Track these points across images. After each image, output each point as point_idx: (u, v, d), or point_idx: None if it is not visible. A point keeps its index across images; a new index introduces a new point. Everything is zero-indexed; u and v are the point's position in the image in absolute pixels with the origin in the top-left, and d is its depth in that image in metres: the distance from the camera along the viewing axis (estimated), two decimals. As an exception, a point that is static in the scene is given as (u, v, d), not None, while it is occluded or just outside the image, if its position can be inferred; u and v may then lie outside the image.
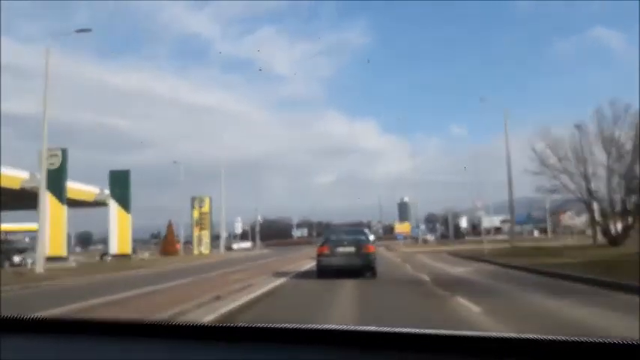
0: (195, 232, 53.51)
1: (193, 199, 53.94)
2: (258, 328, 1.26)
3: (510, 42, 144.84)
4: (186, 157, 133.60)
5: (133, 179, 38.69)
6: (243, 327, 1.28)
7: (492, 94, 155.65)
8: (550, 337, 1.00)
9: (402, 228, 45.93)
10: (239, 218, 54.66)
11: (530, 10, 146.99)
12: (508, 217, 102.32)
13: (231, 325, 1.31)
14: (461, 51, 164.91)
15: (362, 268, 13.28)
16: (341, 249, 13.51)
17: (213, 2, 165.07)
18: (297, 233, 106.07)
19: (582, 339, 0.98)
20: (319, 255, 13.75)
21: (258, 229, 69.15)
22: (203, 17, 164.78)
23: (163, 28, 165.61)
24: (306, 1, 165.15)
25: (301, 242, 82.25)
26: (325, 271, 13.38)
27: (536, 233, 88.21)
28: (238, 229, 54.93)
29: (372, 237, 18.11)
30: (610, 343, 0.96)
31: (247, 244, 66.98)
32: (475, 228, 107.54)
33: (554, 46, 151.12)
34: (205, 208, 53.85)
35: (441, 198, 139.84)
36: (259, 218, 68.73)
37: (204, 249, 52.59)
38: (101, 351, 1.30)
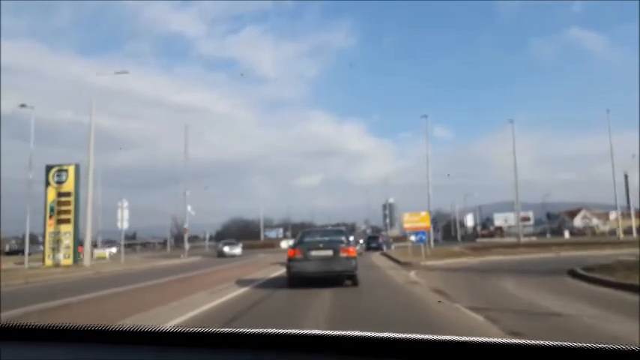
0: (49, 228, 30.37)
1: (48, 170, 30.91)
2: (234, 334, 1.22)
3: (495, 42, 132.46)
4: (169, 158, 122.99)
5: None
6: (218, 333, 1.22)
7: (479, 95, 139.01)
8: (548, 342, 0.97)
9: (416, 221, 23.60)
10: (124, 202, 31.14)
11: (513, 10, 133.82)
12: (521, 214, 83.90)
13: (208, 331, 1.23)
14: (446, 51, 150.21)
15: (340, 276, 11.35)
16: (315, 252, 11.41)
17: (198, 2, 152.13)
18: (271, 234, 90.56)
19: (581, 345, 0.94)
20: (290, 260, 11.58)
21: (186, 225, 46.40)
22: (187, 16, 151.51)
23: (147, 27, 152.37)
24: (290, 2, 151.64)
25: (266, 245, 67.35)
26: (297, 279, 11.34)
27: (567, 235, 68.56)
28: (123, 223, 31.12)
29: (351, 238, 14.28)
30: (610, 349, 0.93)
31: (112, 250, 44.27)
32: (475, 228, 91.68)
33: (534, 47, 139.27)
34: (68, 186, 30.72)
35: (425, 200, 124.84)
36: (190, 209, 45.80)
37: (65, 258, 29.63)
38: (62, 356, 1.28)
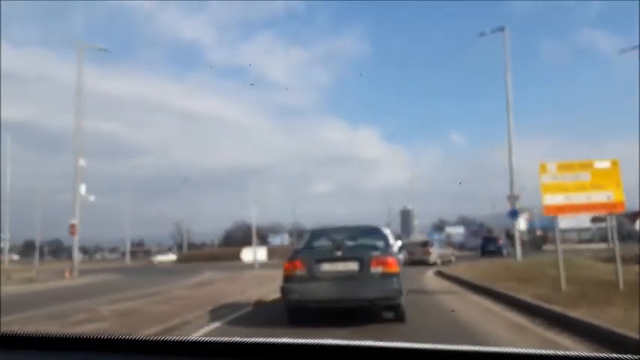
0: None
1: None
2: (248, 343, 1.19)
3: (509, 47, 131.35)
4: (181, 165, 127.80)
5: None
6: (234, 343, 1.21)
7: (492, 101, 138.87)
8: (548, 351, 0.96)
9: (585, 186, 9.22)
10: None
11: (527, 10, 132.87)
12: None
13: (226, 341, 1.22)
14: (459, 57, 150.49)
15: (373, 304, 7.00)
16: (329, 266, 7.01)
17: (209, 8, 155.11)
18: (275, 240, 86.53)
19: (582, 354, 0.93)
20: (286, 279, 7.16)
21: (74, 219, 27.43)
22: (199, 23, 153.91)
23: (159, 34, 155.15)
24: (302, 8, 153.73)
25: (230, 255, 56.11)
26: (300, 311, 7.22)
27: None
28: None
29: (399, 243, 10.15)
30: (609, 358, 0.92)
31: None
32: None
33: (549, 50, 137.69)
34: None
35: (442, 207, 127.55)
36: (83, 190, 23.29)
37: None
38: None
